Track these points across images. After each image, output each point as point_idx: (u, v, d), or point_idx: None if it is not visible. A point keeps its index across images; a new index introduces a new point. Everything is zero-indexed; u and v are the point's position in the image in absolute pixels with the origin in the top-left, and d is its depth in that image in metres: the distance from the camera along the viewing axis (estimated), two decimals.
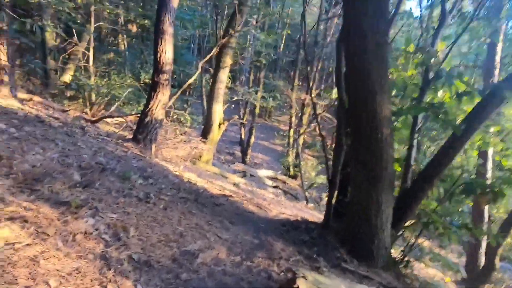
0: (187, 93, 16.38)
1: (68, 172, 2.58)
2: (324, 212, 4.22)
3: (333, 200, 3.53)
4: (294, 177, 14.59)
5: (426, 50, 3.19)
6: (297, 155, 12.83)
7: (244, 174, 9.51)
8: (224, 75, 8.79)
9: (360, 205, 2.84)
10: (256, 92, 13.34)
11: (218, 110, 8.82)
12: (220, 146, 18.55)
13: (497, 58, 7.39)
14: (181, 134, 8.10)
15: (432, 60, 3.20)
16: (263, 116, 23.35)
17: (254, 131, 14.96)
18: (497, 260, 6.95)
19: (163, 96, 5.18)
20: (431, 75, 3.05)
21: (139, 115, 5.75)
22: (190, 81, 8.24)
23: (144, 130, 5.22)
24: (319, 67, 15.15)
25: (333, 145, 4.32)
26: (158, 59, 5.01)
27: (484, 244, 6.40)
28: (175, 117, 9.31)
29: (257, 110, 14.83)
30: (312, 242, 3.11)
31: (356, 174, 2.87)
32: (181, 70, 12.90)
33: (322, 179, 14.62)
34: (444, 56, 3.30)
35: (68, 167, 2.77)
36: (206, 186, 5.16)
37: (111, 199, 2.28)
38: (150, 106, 5.16)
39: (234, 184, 7.47)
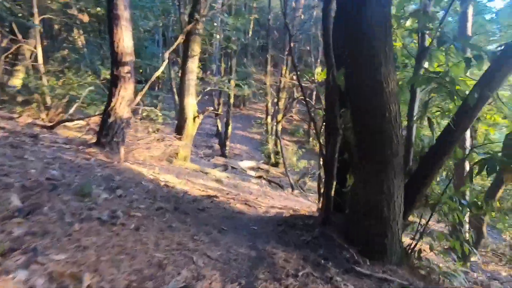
0: (156, 87, 15.45)
1: (3, 197, 1.98)
2: (313, 200, 3.81)
3: (332, 192, 3.13)
4: (276, 164, 14.28)
5: (422, 13, 2.80)
6: (278, 142, 12.50)
7: (225, 168, 9.01)
8: (193, 65, 8.12)
9: (368, 197, 2.45)
10: (229, 81, 12.72)
11: (191, 103, 8.19)
12: (197, 140, 17.84)
13: (469, 26, 7.28)
14: (153, 132, 7.42)
15: (430, 25, 2.81)
16: (238, 105, 22.78)
17: (230, 121, 14.39)
18: (484, 228, 7.01)
19: (126, 92, 4.52)
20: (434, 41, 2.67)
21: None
22: (158, 73, 7.51)
23: (108, 132, 4.56)
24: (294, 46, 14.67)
25: (322, 130, 3.91)
26: (116, 49, 4.33)
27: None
28: (145, 114, 8.57)
29: (231, 100, 14.23)
30: (315, 243, 2.70)
31: (360, 162, 2.47)
32: (147, 64, 11.99)
33: (304, 163, 14.46)
34: (440, 20, 2.93)
35: (6, 189, 2.15)
36: (186, 188, 4.62)
37: (61, 229, 1.72)
38: (112, 104, 4.49)
39: (216, 180, 6.96)
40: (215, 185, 5.98)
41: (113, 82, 4.52)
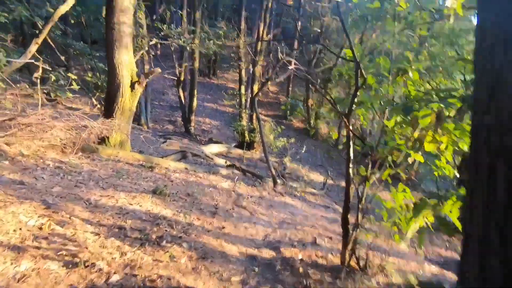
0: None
1: None
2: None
3: None
4: (250, 144, 11.73)
5: None
6: (254, 117, 9.87)
7: (183, 155, 6.30)
8: (126, 1, 5.07)
9: None
10: (193, 33, 9.62)
11: (126, 60, 5.23)
12: (158, 114, 14.72)
13: None
14: (55, 104, 4.51)
15: None
16: (208, 74, 19.59)
17: (196, 92, 11.43)
18: None
19: None
20: None
21: None
22: (64, 8, 4.44)
23: None
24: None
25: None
26: None
27: None
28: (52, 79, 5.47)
29: (196, 64, 11.18)
30: None
31: None
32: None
33: (283, 142, 11.99)
34: None
35: None
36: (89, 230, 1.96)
37: None
38: None
39: (165, 177, 4.32)
40: (148, 204, 3.31)
41: None
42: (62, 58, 9.68)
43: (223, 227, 3.02)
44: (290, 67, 6.24)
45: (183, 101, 11.42)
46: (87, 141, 4.55)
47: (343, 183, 10.80)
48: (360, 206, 2.39)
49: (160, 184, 4.09)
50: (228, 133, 14.00)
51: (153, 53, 10.27)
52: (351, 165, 2.34)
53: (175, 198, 3.54)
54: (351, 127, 2.31)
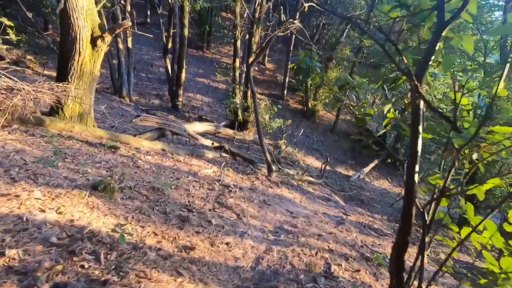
0: None
1: None
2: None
3: None
4: (243, 124, 10.58)
5: None
6: (249, 93, 8.67)
7: (161, 133, 5.14)
8: None
9: None
10: None
11: (84, 6, 3.93)
12: (145, 86, 13.31)
13: None
14: None
15: None
16: (201, 46, 18.06)
17: (184, 63, 10.06)
18: None
19: None
20: None
21: None
22: None
23: None
24: None
25: None
26: None
27: None
28: None
29: (186, 32, 9.73)
30: None
31: None
32: None
33: (279, 123, 10.84)
34: None
35: None
36: None
37: None
38: None
39: (129, 162, 3.19)
40: (77, 209, 2.17)
41: None
42: (30, 15, 8.19)
43: (193, 248, 1.95)
44: (293, 26, 5.01)
45: (170, 72, 10.07)
46: (23, 110, 3.34)
47: (340, 170, 9.70)
48: (426, 239, 1.31)
49: (118, 171, 2.96)
50: (220, 111, 12.79)
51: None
52: (417, 167, 1.25)
53: (130, 196, 2.42)
54: (423, 98, 1.21)
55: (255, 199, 3.67)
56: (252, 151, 9.16)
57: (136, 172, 3.20)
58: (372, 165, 12.68)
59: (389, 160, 12.99)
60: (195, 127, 5.54)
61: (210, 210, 2.77)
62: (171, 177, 3.44)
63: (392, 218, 7.27)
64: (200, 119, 10.42)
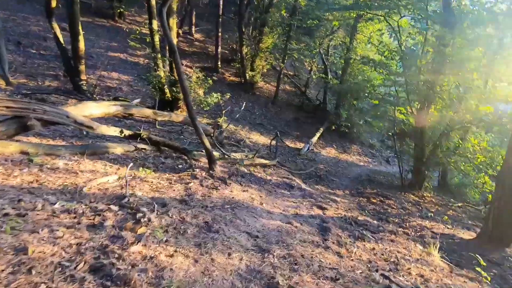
0: None
1: None
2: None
3: None
4: (173, 102, 8.55)
5: None
6: (173, 63, 6.64)
7: (21, 125, 3.01)
8: None
9: None
10: None
11: None
12: (36, 66, 9.96)
13: None
14: None
15: None
16: (112, 16, 14.77)
17: (81, 28, 7.40)
18: None
19: None
20: None
21: None
22: None
23: None
24: None
25: None
26: None
27: None
28: None
29: None
30: None
31: None
32: None
33: (216, 98, 8.98)
34: None
35: None
36: None
37: None
38: None
39: None
40: None
41: None
42: None
43: None
44: None
45: (62, 42, 7.34)
46: None
47: (287, 143, 8.24)
48: None
49: None
50: (144, 90, 10.37)
51: None
52: None
53: None
54: None
55: (190, 228, 2.02)
56: (188, 135, 7.31)
57: None
58: (318, 134, 11.90)
59: (333, 127, 12.42)
60: (88, 110, 3.50)
61: None
62: (12, 210, 1.55)
63: (354, 192, 6.36)
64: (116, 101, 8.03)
